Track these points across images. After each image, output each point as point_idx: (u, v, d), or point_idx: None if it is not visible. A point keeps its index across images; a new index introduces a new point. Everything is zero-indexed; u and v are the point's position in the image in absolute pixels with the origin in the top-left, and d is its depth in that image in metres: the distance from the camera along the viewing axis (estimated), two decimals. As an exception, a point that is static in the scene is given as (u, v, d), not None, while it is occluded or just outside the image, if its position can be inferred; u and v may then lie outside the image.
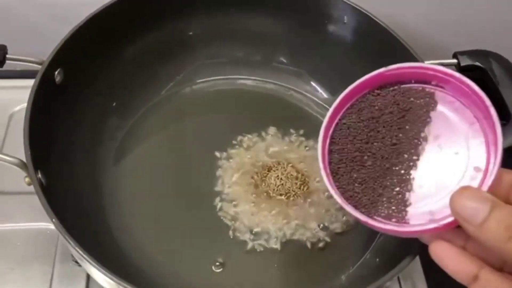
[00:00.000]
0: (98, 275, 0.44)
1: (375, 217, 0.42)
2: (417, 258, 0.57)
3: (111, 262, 0.43)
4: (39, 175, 0.46)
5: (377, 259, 0.53)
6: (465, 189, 0.37)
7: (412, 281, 0.57)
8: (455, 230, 0.38)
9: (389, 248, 0.52)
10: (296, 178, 0.58)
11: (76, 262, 0.54)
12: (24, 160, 0.46)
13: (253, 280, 0.53)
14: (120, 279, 0.42)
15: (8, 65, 0.53)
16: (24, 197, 0.56)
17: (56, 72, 0.52)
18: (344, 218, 0.56)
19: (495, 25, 0.66)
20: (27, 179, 0.46)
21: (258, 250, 0.54)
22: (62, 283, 0.54)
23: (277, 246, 0.55)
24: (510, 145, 0.50)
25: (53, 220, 0.43)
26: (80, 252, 0.43)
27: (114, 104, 0.61)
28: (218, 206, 0.56)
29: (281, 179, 0.58)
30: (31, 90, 0.49)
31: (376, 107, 0.44)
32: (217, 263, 0.54)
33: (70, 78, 0.54)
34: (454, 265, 0.37)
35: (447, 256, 0.38)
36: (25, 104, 0.49)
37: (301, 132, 0.62)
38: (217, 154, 0.60)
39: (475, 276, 0.37)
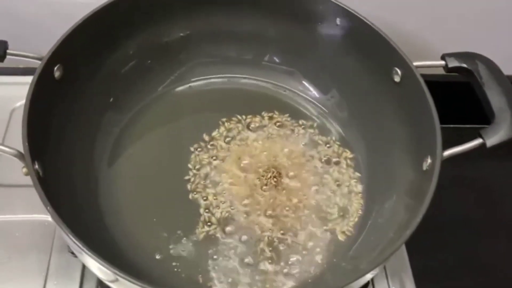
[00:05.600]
0: (91, 262, 0.45)
1: None
2: (405, 254, 0.59)
3: (104, 251, 0.44)
4: (36, 166, 0.47)
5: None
6: None
7: (399, 278, 0.58)
8: None
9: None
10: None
11: (72, 253, 0.55)
12: (22, 151, 0.47)
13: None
14: (111, 265, 0.43)
15: (11, 62, 0.54)
16: (24, 190, 0.56)
17: (56, 68, 0.53)
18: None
19: (483, 28, 0.67)
20: (24, 170, 0.47)
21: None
22: (58, 272, 0.55)
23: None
24: (495, 144, 0.52)
25: (48, 208, 0.44)
26: (73, 239, 0.44)
27: (111, 100, 0.62)
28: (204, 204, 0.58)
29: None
30: (31, 83, 0.50)
31: None
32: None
33: (69, 74, 0.55)
34: None
35: None
36: (26, 100, 0.50)
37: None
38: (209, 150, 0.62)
39: None
